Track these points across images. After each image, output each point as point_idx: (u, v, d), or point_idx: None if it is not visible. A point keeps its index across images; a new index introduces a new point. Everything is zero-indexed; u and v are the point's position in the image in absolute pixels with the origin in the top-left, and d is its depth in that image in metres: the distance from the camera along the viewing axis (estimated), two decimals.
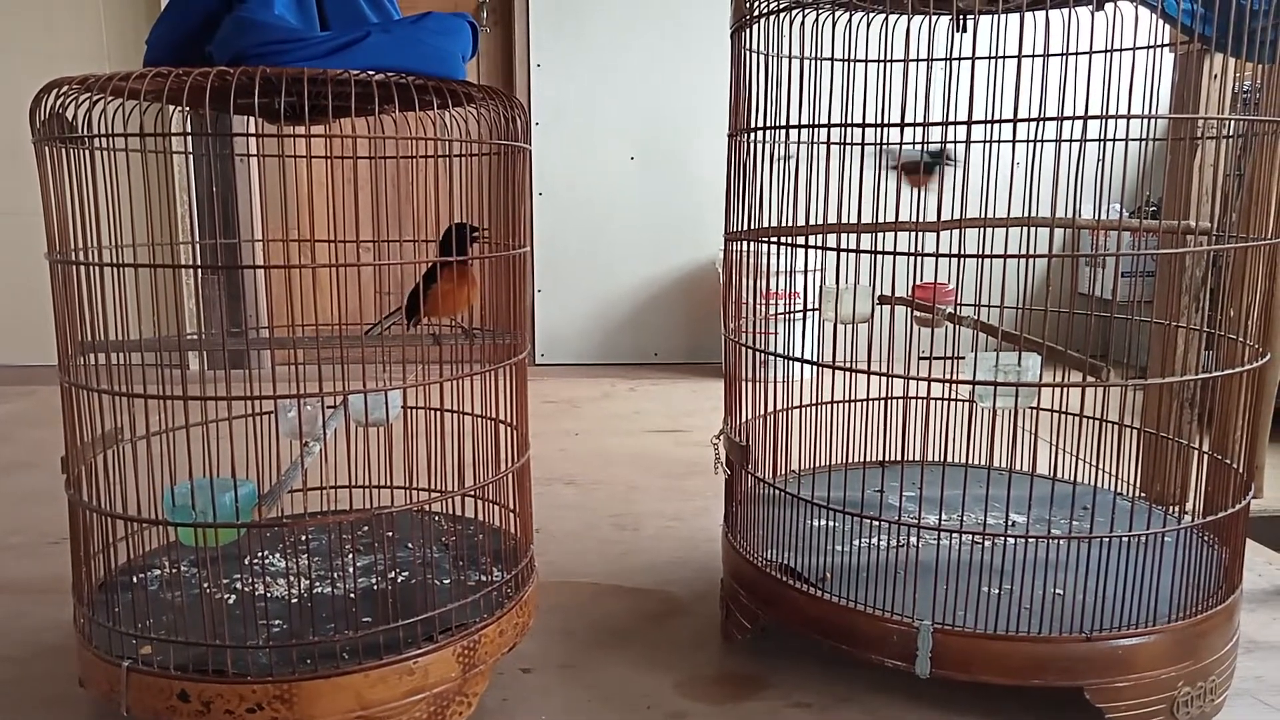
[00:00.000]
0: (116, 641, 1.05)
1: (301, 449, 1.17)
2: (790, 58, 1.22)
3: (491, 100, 1.12)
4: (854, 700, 1.21)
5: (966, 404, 1.47)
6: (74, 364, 1.06)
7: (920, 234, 1.13)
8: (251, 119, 1.13)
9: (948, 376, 1.12)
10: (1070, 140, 1.10)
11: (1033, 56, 1.04)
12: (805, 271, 1.59)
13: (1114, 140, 1.17)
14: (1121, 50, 1.14)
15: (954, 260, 1.09)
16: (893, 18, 1.26)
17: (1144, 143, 1.36)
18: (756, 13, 1.24)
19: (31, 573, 1.62)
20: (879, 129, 1.10)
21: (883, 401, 1.47)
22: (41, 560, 1.67)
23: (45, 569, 1.61)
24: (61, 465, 1.10)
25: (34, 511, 1.92)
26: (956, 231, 1.09)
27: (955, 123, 1.06)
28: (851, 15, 1.35)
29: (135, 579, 1.17)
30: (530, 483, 1.26)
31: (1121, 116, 1.04)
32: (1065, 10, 1.26)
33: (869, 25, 1.35)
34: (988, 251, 1.10)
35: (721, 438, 1.38)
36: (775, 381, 1.36)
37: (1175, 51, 1.52)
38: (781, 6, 1.23)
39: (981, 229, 1.18)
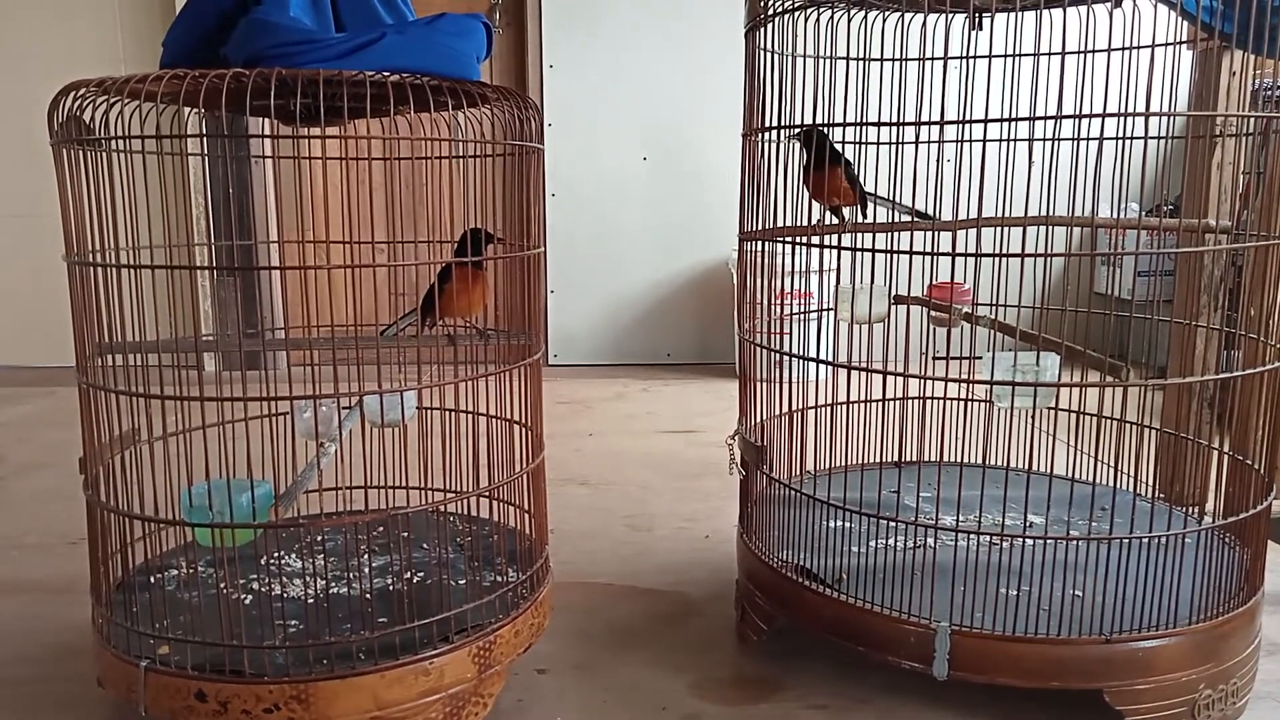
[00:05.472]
0: (134, 641, 1.05)
1: (317, 450, 1.17)
2: (805, 57, 1.22)
3: (505, 101, 1.12)
4: (870, 702, 1.21)
5: (983, 404, 1.46)
6: (91, 365, 1.07)
7: (936, 233, 1.12)
8: (267, 120, 1.14)
9: (964, 376, 1.12)
10: (1088, 138, 1.10)
11: (1049, 54, 1.03)
12: (820, 271, 1.58)
13: (1132, 138, 1.16)
14: (1139, 47, 1.13)
15: (970, 259, 1.08)
16: (908, 16, 1.26)
17: (1162, 140, 1.35)
18: (771, 12, 1.24)
19: (50, 573, 1.63)
20: (894, 128, 1.09)
21: (899, 402, 1.46)
22: (60, 560, 1.68)
23: (63, 569, 1.62)
24: (79, 465, 1.10)
25: (52, 511, 1.93)
26: (973, 230, 1.09)
27: (971, 121, 1.05)
28: (867, 14, 1.34)
29: (153, 579, 1.18)
30: (545, 483, 1.26)
31: (1139, 114, 1.03)
32: (1082, 7, 1.26)
33: (884, 23, 1.34)
34: (1004, 250, 1.09)
35: (736, 438, 1.37)
36: (790, 382, 1.35)
37: (1194, 49, 1.51)
38: (796, 5, 1.22)
39: (998, 228, 1.18)
